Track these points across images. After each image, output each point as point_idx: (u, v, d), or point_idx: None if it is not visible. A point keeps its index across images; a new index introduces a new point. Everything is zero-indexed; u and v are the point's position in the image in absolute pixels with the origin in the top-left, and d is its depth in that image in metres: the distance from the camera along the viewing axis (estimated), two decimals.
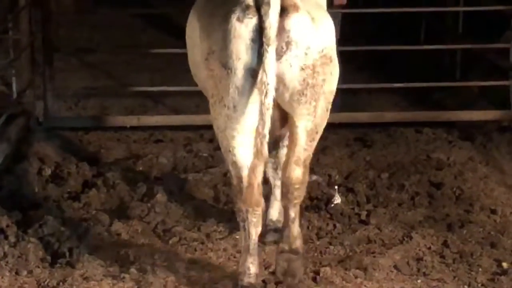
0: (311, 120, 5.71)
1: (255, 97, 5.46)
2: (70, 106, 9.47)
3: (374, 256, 6.46)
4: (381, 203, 7.38)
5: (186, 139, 8.85)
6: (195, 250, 6.56)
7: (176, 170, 8.04)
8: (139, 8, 11.71)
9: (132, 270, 6.20)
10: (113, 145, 8.72)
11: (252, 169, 5.53)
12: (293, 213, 5.97)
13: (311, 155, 5.92)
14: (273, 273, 6.13)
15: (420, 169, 8.10)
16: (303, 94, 5.58)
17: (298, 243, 6.03)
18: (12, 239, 6.50)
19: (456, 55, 10.24)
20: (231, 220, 6.76)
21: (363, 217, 7.11)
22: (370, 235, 6.80)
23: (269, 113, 5.35)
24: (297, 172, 5.79)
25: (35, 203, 7.17)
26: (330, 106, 5.86)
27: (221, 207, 7.24)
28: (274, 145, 5.92)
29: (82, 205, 7.26)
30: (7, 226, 6.63)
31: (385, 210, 7.24)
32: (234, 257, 6.33)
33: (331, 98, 5.84)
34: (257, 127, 5.43)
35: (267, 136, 5.39)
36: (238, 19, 5.46)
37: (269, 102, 5.33)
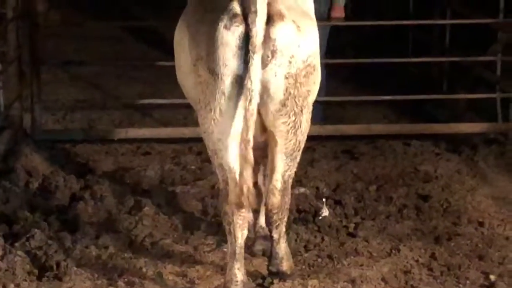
0: (291, 141, 5.77)
1: (240, 102, 5.52)
2: (57, 119, 9.46)
3: (362, 269, 6.45)
4: (368, 215, 7.38)
5: (174, 152, 8.85)
6: (183, 263, 6.53)
7: (164, 182, 8.02)
8: (125, 21, 11.72)
9: (120, 283, 6.19)
10: (101, 157, 8.71)
11: (240, 174, 5.56)
12: (276, 234, 6.08)
13: (293, 174, 6.01)
14: (260, 284, 6.14)
15: (408, 181, 8.12)
16: (285, 104, 5.64)
17: (285, 265, 6.16)
18: None
19: (443, 67, 10.26)
20: (219, 232, 6.78)
21: (351, 229, 7.11)
22: (358, 248, 6.79)
23: (253, 119, 5.42)
24: (274, 200, 5.86)
25: (23, 216, 7.11)
26: (310, 116, 5.91)
27: (209, 219, 7.21)
28: (263, 151, 5.93)
29: (70, 218, 7.23)
30: None
31: (373, 223, 7.24)
32: (222, 269, 6.27)
33: (311, 107, 5.89)
34: (242, 133, 5.50)
35: (251, 142, 5.45)
36: (225, 27, 5.52)
37: (253, 108, 5.40)
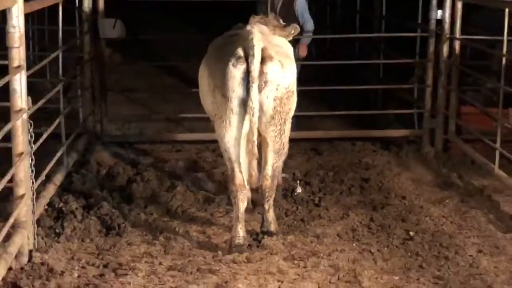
0: (278, 142, 5.96)
1: (243, 116, 5.73)
2: (118, 128, 9.46)
3: (324, 228, 6.50)
4: (328, 192, 7.40)
5: (197, 150, 8.84)
6: (203, 224, 6.59)
7: (190, 170, 8.02)
8: (163, 61, 11.75)
9: (161, 238, 6.24)
10: (148, 154, 8.72)
11: (249, 162, 5.80)
12: (267, 205, 6.22)
13: (281, 164, 6.49)
14: (255, 239, 6.17)
15: (354, 169, 8.13)
16: (273, 118, 5.85)
17: (272, 227, 6.29)
18: (79, 217, 6.52)
19: (378, 92, 10.28)
20: (228, 204, 6.81)
21: (316, 202, 7.14)
22: (321, 214, 6.83)
23: (255, 127, 5.69)
24: (266, 183, 6.08)
25: (95, 193, 7.16)
26: (290, 125, 6.12)
27: (220, 195, 7.20)
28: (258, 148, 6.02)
29: (127, 194, 7.27)
30: (76, 208, 6.65)
31: (331, 197, 7.28)
32: (229, 229, 6.33)
33: (290, 120, 6.10)
34: (248, 136, 5.72)
35: (256, 142, 5.72)
36: (233, 65, 5.75)
37: (255, 119, 5.67)
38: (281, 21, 6.83)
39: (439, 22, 8.59)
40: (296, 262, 5.76)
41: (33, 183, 5.79)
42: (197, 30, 13.64)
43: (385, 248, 6.09)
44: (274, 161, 6.07)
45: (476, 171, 8.04)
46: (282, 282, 5.38)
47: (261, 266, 5.65)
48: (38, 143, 6.17)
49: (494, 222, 6.66)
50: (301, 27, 8.02)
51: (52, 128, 6.97)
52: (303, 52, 8.72)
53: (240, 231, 5.99)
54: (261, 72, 5.73)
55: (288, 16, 8.16)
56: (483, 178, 7.76)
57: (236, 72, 5.75)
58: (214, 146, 8.62)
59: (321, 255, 5.88)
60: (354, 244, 6.16)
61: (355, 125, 9.40)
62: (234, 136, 5.82)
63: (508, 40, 7.34)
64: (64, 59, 7.57)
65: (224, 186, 7.33)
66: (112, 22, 8.65)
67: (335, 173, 7.90)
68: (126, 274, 5.49)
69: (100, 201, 6.87)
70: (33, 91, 5.98)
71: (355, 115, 9.40)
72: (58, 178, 7.13)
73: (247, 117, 5.70)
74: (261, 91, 5.72)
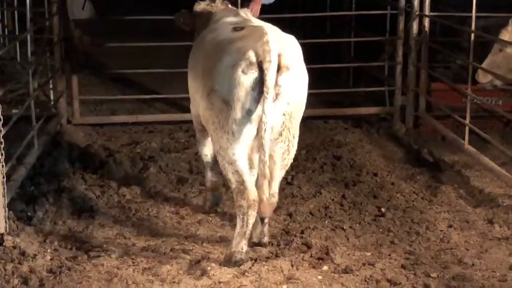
0: (286, 159, 5.31)
1: (249, 128, 5.02)
2: (90, 109, 9.38)
3: (297, 206, 6.50)
4: (301, 170, 7.37)
5: (169, 130, 8.75)
6: (176, 205, 6.54)
7: (163, 151, 7.94)
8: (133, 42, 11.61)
9: (133, 219, 6.21)
10: (120, 135, 8.61)
11: (260, 187, 5.02)
12: (267, 219, 5.59)
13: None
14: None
15: (326, 147, 8.09)
16: (281, 135, 5.16)
17: (266, 239, 5.63)
18: (51, 200, 6.46)
19: (349, 70, 10.26)
20: (201, 185, 6.77)
21: (289, 180, 7.07)
22: (293, 192, 6.81)
23: (267, 145, 4.91)
24: (273, 200, 5.33)
25: (67, 176, 7.09)
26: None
27: (193, 176, 7.17)
28: None
29: (99, 176, 7.19)
30: (48, 191, 6.58)
31: (303, 175, 7.25)
32: (202, 209, 6.32)
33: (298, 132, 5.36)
34: (259, 156, 4.96)
35: (268, 161, 4.93)
36: (243, 72, 4.95)
37: (267, 136, 4.89)
38: (229, 5, 6.23)
39: None
40: (269, 240, 5.74)
41: (3, 166, 5.71)
42: (165, 9, 13.46)
43: (357, 225, 6.11)
44: (280, 178, 5.43)
45: (446, 147, 8.07)
46: (255, 260, 5.37)
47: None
48: (8, 126, 6.07)
49: (464, 197, 6.70)
50: None
51: (21, 111, 6.88)
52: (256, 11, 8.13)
53: (245, 247, 5.27)
54: (275, 83, 4.94)
55: None
56: (453, 154, 7.80)
57: (245, 79, 4.96)
58: (187, 127, 8.58)
59: (294, 233, 5.87)
60: (326, 222, 6.17)
61: (327, 104, 9.37)
62: (241, 148, 5.08)
63: (476, 17, 7.35)
64: (33, 42, 7.46)
65: (196, 167, 7.33)
66: (82, 3, 8.54)
67: (307, 152, 7.87)
68: (99, 256, 5.45)
69: (72, 183, 6.80)
70: (3, 74, 5.90)
71: (326, 93, 9.37)
72: (29, 161, 7.04)
73: (251, 129, 5.00)
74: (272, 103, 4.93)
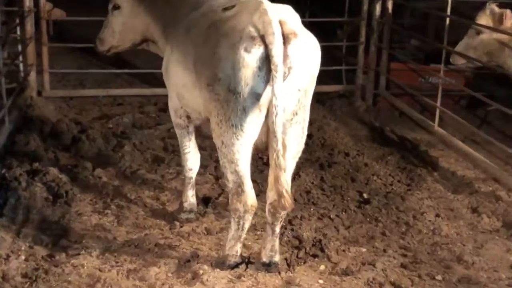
0: (300, 144, 3.88)
1: (258, 117, 3.68)
2: (60, 81, 7.91)
3: None
4: None
5: (139, 103, 7.38)
6: (155, 189, 5.24)
7: (135, 127, 6.56)
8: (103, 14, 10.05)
9: (112, 206, 4.89)
10: (90, 107, 7.21)
11: (276, 179, 3.62)
12: (278, 228, 4.02)
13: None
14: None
15: None
16: (296, 114, 3.78)
17: (277, 257, 4.07)
18: (23, 184, 4.98)
19: None
20: (177, 165, 5.49)
21: (265, 160, 5.69)
22: None
23: (280, 130, 3.57)
24: (288, 200, 3.63)
25: (39, 155, 5.65)
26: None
27: (169, 155, 5.88)
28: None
29: (72, 155, 5.81)
30: (20, 174, 5.09)
31: None
32: (181, 193, 4.95)
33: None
34: (272, 144, 3.60)
35: (281, 150, 3.60)
36: (246, 50, 3.61)
37: (279, 121, 3.56)
38: None
39: None
40: (258, 233, 4.54)
41: None
42: None
43: (343, 213, 4.94)
44: (291, 169, 3.93)
45: (405, 123, 7.06)
46: (249, 260, 4.14)
47: (222, 239, 4.39)
48: None
49: (440, 181, 5.60)
50: None
51: None
52: None
53: (239, 250, 4.04)
54: (284, 56, 3.58)
55: None
56: (413, 132, 6.79)
57: (250, 58, 3.60)
58: (156, 99, 7.28)
59: (283, 223, 4.62)
60: (312, 209, 4.98)
61: None
62: (246, 144, 3.75)
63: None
64: (3, 14, 5.95)
65: (171, 144, 6.03)
66: None
67: None
68: (79, 254, 4.15)
69: (46, 165, 5.36)
70: None
71: None
72: (0, 141, 5.60)
73: (260, 117, 3.68)
74: (283, 81, 3.60)
